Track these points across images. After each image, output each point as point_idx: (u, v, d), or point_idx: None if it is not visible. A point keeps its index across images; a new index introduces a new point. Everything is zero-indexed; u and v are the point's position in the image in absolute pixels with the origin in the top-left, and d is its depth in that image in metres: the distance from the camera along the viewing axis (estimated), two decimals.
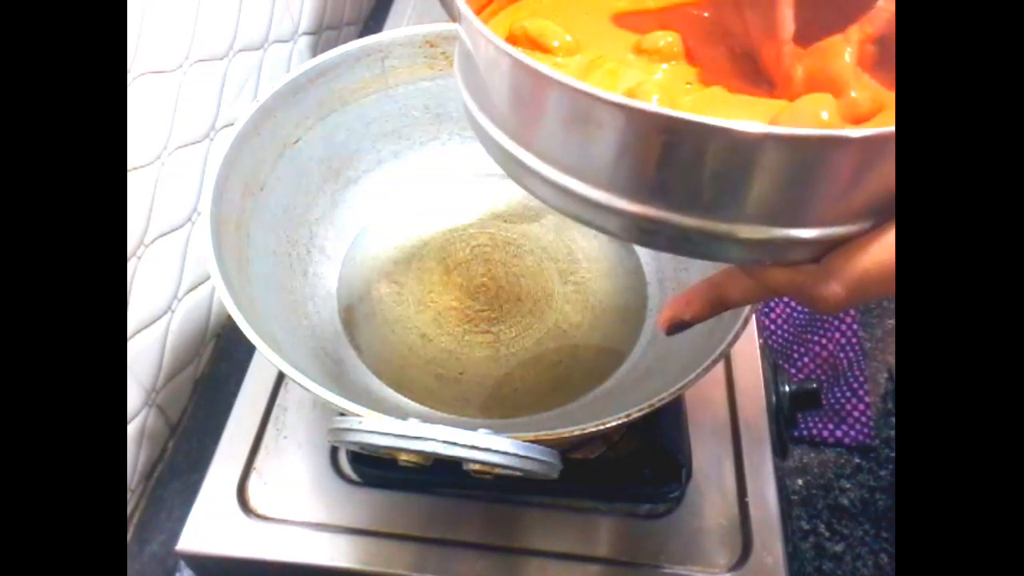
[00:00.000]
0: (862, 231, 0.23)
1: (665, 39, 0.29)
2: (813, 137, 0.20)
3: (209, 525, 0.42)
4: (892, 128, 0.20)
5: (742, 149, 0.20)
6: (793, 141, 0.20)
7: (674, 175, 0.22)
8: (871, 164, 0.21)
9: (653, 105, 0.21)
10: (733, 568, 0.41)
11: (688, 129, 0.20)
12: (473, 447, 0.28)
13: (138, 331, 0.46)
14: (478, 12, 0.30)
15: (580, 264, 0.52)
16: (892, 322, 0.65)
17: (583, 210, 0.24)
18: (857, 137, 0.20)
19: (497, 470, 0.28)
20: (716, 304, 0.29)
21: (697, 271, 0.47)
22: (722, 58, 0.29)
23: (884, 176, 0.21)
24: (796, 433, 0.58)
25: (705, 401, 0.47)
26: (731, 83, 0.27)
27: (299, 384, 0.33)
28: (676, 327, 0.30)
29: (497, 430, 0.29)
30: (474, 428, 0.28)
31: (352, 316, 0.49)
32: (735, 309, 0.37)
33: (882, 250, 0.22)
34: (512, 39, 0.29)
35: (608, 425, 0.33)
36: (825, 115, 0.23)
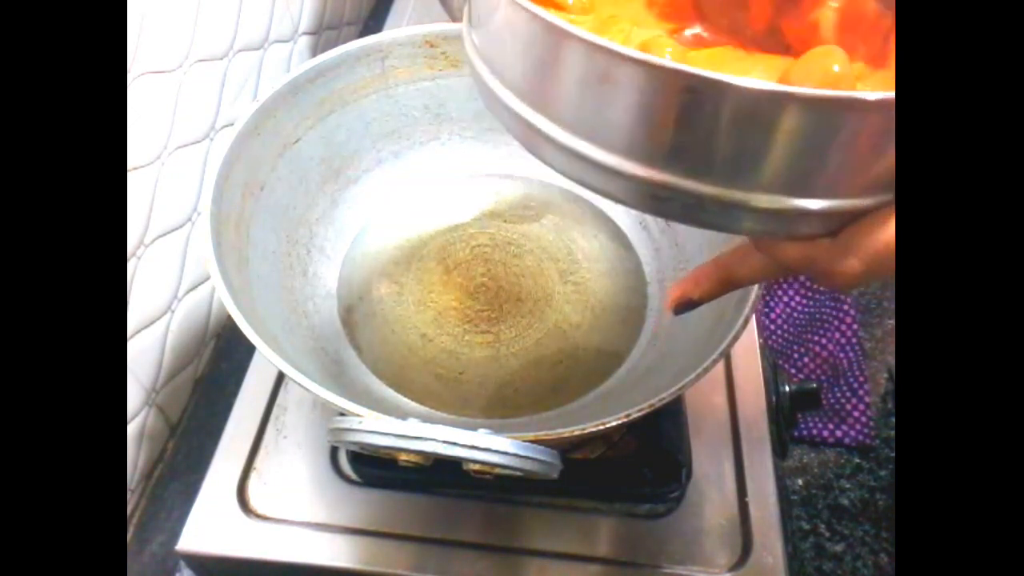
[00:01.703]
0: (880, 204, 0.22)
1: None
2: (829, 98, 0.19)
3: (209, 525, 0.42)
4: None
5: (756, 107, 0.20)
6: (808, 101, 0.20)
7: (688, 136, 0.21)
8: (886, 132, 0.20)
9: (670, 61, 0.20)
10: (733, 568, 0.41)
11: (702, 86, 0.20)
12: (473, 447, 0.28)
13: (138, 331, 0.46)
14: None
15: (580, 264, 0.52)
16: (892, 322, 0.65)
17: (596, 176, 0.24)
18: (874, 100, 0.19)
19: (497, 470, 0.28)
20: (725, 282, 0.28)
21: None
22: (737, 15, 0.28)
23: None
24: (796, 433, 0.58)
25: (705, 401, 0.47)
26: (744, 39, 0.26)
27: (299, 384, 0.33)
28: (684, 306, 0.30)
29: (497, 430, 0.29)
30: (474, 428, 0.28)
31: (352, 316, 0.49)
32: (736, 307, 0.37)
33: None
34: None
35: (608, 425, 0.33)
36: (837, 68, 0.22)
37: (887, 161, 0.21)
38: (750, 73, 0.24)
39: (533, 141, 0.25)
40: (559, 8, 0.27)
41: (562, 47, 0.22)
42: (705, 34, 0.28)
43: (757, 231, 0.24)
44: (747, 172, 0.21)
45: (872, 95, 0.19)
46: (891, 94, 0.19)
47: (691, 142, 0.21)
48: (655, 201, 0.23)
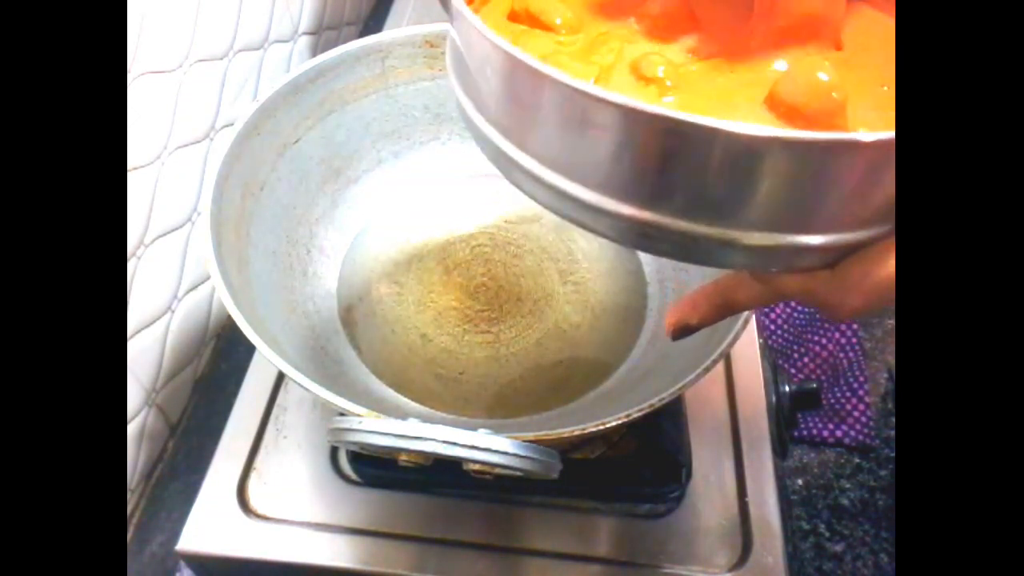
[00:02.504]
0: (877, 236, 0.22)
1: (666, 3, 0.26)
2: (822, 141, 0.19)
3: (209, 525, 0.42)
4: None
5: (742, 151, 0.19)
6: (801, 145, 0.19)
7: (674, 178, 0.21)
8: (884, 167, 0.20)
9: (651, 105, 0.19)
10: (733, 568, 0.41)
11: (685, 130, 0.19)
12: (473, 447, 0.28)
13: (138, 331, 0.46)
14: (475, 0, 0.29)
15: (580, 264, 0.52)
16: (892, 322, 0.65)
17: (581, 214, 0.23)
18: (869, 141, 0.19)
19: (497, 470, 0.28)
20: (723, 308, 0.28)
21: (697, 271, 0.47)
22: (734, 22, 0.27)
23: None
24: (796, 433, 0.58)
25: (705, 401, 0.47)
26: (736, 46, 0.25)
27: (299, 384, 0.33)
28: (681, 332, 0.29)
29: (497, 430, 0.29)
30: (474, 428, 0.28)
31: (352, 316, 0.49)
32: None
33: None
34: (513, 16, 0.27)
35: (608, 425, 0.33)
36: (823, 77, 0.21)
37: (882, 194, 0.21)
38: (738, 95, 0.23)
39: (517, 177, 0.25)
40: (547, 29, 0.27)
41: (541, 88, 0.21)
42: (698, 44, 0.26)
43: (752, 266, 0.24)
44: (738, 211, 0.21)
45: (865, 136, 0.19)
46: (884, 135, 0.19)
47: (678, 183, 0.21)
48: (643, 239, 0.23)
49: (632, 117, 0.20)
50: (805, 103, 0.21)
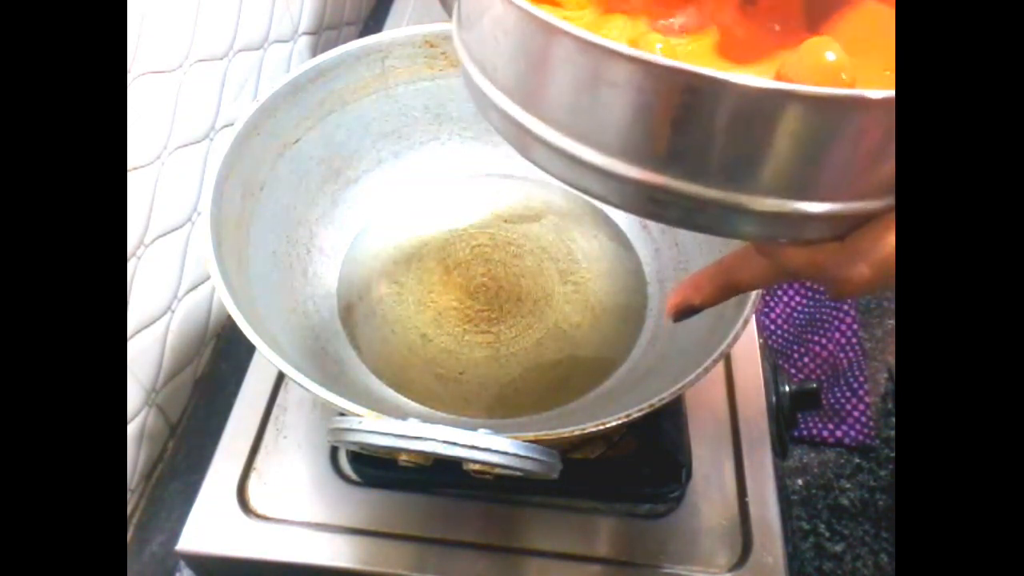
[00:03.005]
0: (888, 208, 0.21)
1: None
2: (830, 96, 0.19)
3: (209, 525, 0.42)
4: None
5: (755, 106, 0.19)
6: (808, 99, 0.19)
7: (686, 137, 0.20)
8: (891, 130, 0.19)
9: (666, 59, 0.19)
10: (733, 568, 0.41)
11: (700, 84, 0.19)
12: (473, 447, 0.28)
13: (138, 331, 0.46)
14: None
15: (580, 264, 0.52)
16: (892, 322, 0.65)
17: (591, 180, 0.23)
18: (878, 98, 0.18)
19: (497, 470, 0.28)
20: (727, 288, 0.28)
21: (698, 269, 0.47)
22: (737, 11, 0.27)
23: None
24: (796, 433, 0.58)
25: (705, 401, 0.47)
26: (740, 27, 0.26)
27: (299, 384, 0.33)
28: (684, 312, 0.29)
29: (497, 430, 0.29)
30: (474, 428, 0.28)
31: (352, 316, 0.49)
32: (736, 307, 0.37)
33: None
34: None
35: (608, 425, 0.33)
36: (831, 56, 0.21)
37: (891, 162, 0.20)
38: (743, 66, 0.23)
39: (526, 143, 0.24)
40: (554, 4, 0.27)
41: (554, 45, 0.21)
42: (694, 22, 0.27)
43: (759, 236, 0.23)
44: (748, 174, 0.21)
45: (874, 93, 0.19)
46: (892, 93, 0.19)
47: (689, 143, 0.21)
48: (653, 205, 0.23)
49: (644, 70, 0.20)
50: (813, 83, 0.21)
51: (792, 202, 0.21)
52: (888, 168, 0.20)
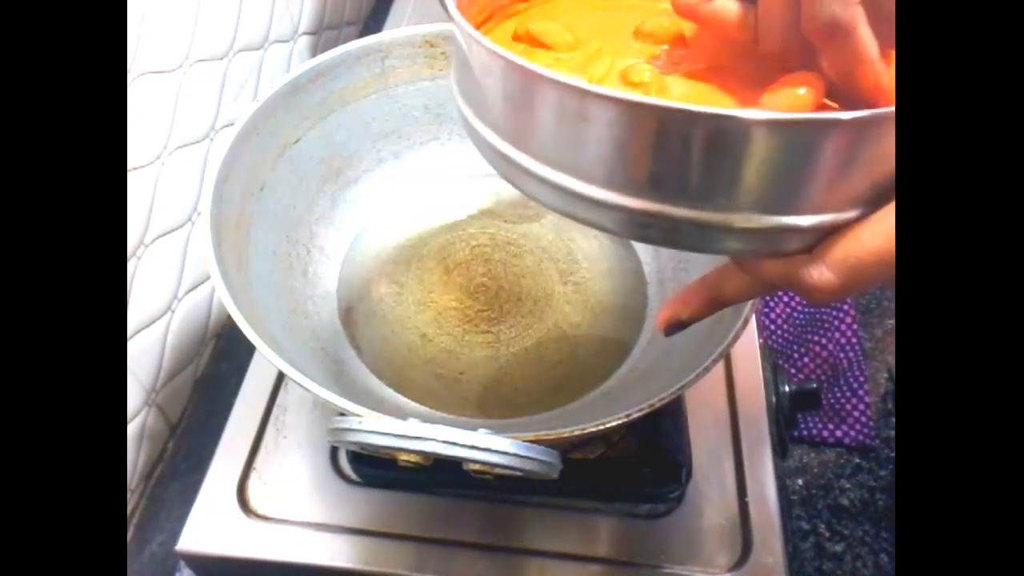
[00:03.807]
0: (856, 218, 0.22)
1: (663, 22, 0.29)
2: (802, 120, 0.20)
3: (209, 525, 0.42)
4: (886, 109, 0.20)
5: (730, 135, 0.20)
6: (782, 125, 0.20)
7: (665, 165, 0.22)
8: (863, 147, 0.21)
9: (639, 95, 0.21)
10: (733, 568, 0.41)
11: (676, 117, 0.21)
12: (473, 447, 0.28)
13: (138, 331, 0.46)
14: (485, 21, 0.31)
15: (580, 264, 0.52)
16: (892, 322, 0.65)
17: (579, 208, 0.25)
18: (849, 119, 0.20)
19: (497, 470, 0.28)
20: (712, 302, 0.29)
21: (698, 270, 0.47)
22: (724, 49, 0.29)
23: (877, 160, 0.21)
24: (796, 433, 0.58)
25: (705, 401, 0.47)
26: (729, 71, 0.27)
27: (299, 384, 0.33)
28: (674, 327, 0.30)
29: (497, 430, 0.29)
30: (474, 428, 0.28)
31: (352, 316, 0.49)
32: (735, 308, 0.37)
33: (874, 236, 0.22)
34: (517, 38, 0.29)
35: (608, 425, 0.33)
36: (802, 91, 0.23)
37: (861, 176, 0.21)
38: (725, 100, 0.25)
39: (517, 177, 0.26)
40: (546, 47, 0.29)
41: (535, 88, 0.23)
42: (689, 54, 0.28)
43: (738, 251, 0.25)
44: (722, 194, 0.22)
45: (849, 115, 0.20)
46: (864, 112, 0.20)
47: (667, 170, 0.22)
48: (637, 228, 0.24)
49: (620, 107, 0.21)
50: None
51: (767, 218, 0.22)
52: (856, 182, 0.22)
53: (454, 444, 0.28)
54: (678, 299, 0.30)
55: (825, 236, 0.23)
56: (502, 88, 0.24)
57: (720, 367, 0.48)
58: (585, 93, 0.21)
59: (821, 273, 0.23)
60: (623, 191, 0.23)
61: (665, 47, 0.29)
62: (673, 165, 0.22)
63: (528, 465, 0.28)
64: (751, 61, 0.27)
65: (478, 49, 0.24)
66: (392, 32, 0.49)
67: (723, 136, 0.21)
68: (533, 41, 0.29)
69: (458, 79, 0.28)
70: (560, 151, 0.24)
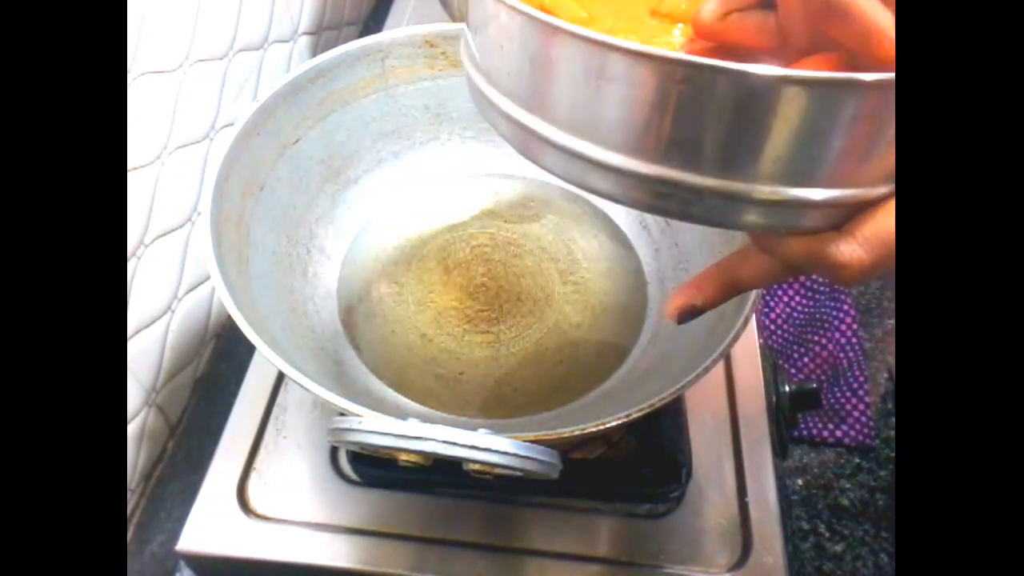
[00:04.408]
0: (887, 194, 0.22)
1: (680, 3, 0.28)
2: (827, 80, 0.19)
3: (209, 525, 0.42)
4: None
5: (753, 93, 0.20)
6: (805, 83, 0.19)
7: (687, 127, 0.21)
8: (887, 114, 0.20)
9: (664, 50, 0.20)
10: (733, 568, 0.41)
11: (698, 73, 0.20)
12: (473, 447, 0.28)
13: (138, 331, 0.46)
14: None
15: (580, 264, 0.52)
16: (892, 322, 0.65)
17: (595, 177, 0.24)
18: (871, 81, 0.19)
19: (497, 470, 0.28)
20: (729, 287, 0.28)
21: (698, 270, 0.47)
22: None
23: None
24: (796, 433, 0.58)
25: (705, 401, 0.47)
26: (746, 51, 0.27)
27: (299, 384, 0.33)
28: (687, 314, 0.29)
29: (497, 430, 0.29)
30: (474, 428, 0.28)
31: (352, 316, 0.49)
32: (736, 306, 0.37)
33: None
34: None
35: (608, 425, 0.33)
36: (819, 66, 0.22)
37: (888, 149, 0.21)
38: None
39: (531, 146, 0.25)
40: (549, 12, 0.28)
41: (557, 45, 0.22)
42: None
43: (759, 225, 0.23)
44: (747, 162, 0.21)
45: (870, 76, 0.19)
46: (885, 75, 0.19)
47: (689, 133, 0.21)
48: (655, 198, 0.23)
49: (643, 63, 0.20)
50: None
51: (791, 189, 0.21)
52: (885, 154, 0.21)
53: (454, 444, 0.28)
54: (692, 285, 0.29)
55: (852, 213, 0.22)
56: (519, 48, 0.23)
57: (720, 367, 0.48)
58: (610, 48, 0.20)
59: (853, 250, 0.22)
60: (643, 157, 0.22)
61: (681, 26, 0.28)
62: (696, 127, 0.21)
63: (528, 465, 0.28)
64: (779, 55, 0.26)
65: (496, 7, 0.24)
66: (392, 32, 0.49)
67: (749, 96, 0.20)
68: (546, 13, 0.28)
69: (470, 44, 0.27)
70: (578, 114, 0.23)
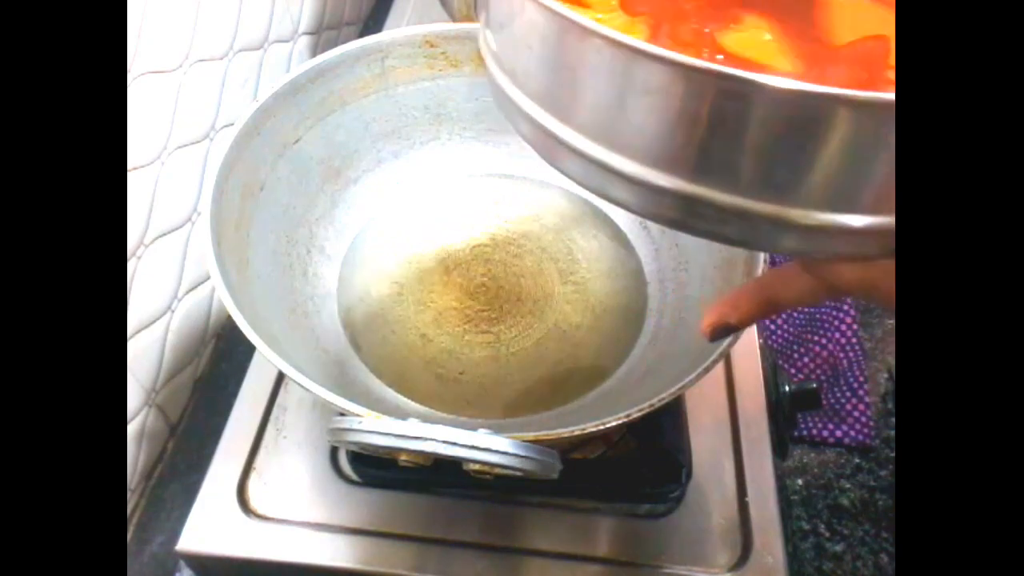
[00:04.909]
0: None
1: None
2: (879, 100, 0.17)
3: (209, 525, 0.42)
4: None
5: (805, 112, 0.18)
6: (856, 103, 0.18)
7: (725, 144, 0.19)
8: None
9: (707, 62, 0.18)
10: (733, 568, 0.41)
11: (743, 88, 0.18)
12: (473, 447, 0.28)
13: (138, 331, 0.46)
14: None
15: (580, 264, 0.52)
16: (892, 322, 0.65)
17: (620, 189, 0.22)
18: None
19: (497, 470, 0.28)
20: (768, 306, 0.26)
21: (697, 270, 0.47)
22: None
23: None
24: (796, 433, 0.58)
25: (705, 401, 0.47)
26: (783, 28, 0.24)
27: (299, 384, 0.33)
28: (721, 332, 0.28)
29: (497, 430, 0.29)
30: (474, 428, 0.28)
31: (352, 316, 0.49)
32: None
33: None
34: None
35: (608, 425, 0.33)
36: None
37: None
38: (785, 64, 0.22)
39: (556, 153, 0.24)
40: (585, 6, 0.26)
41: (588, 47, 0.20)
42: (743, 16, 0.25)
43: (800, 251, 0.22)
44: (790, 184, 0.19)
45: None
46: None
47: (727, 150, 0.20)
48: (686, 216, 0.21)
49: (683, 74, 0.19)
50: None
51: (838, 216, 0.20)
52: None
53: (454, 444, 0.28)
54: (727, 301, 0.27)
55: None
56: (547, 48, 0.22)
57: (720, 367, 0.48)
58: (646, 55, 0.19)
59: None
60: (674, 172, 0.20)
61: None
62: (737, 145, 0.19)
63: (528, 465, 0.28)
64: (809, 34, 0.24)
65: (523, 5, 0.22)
66: (392, 32, 0.49)
67: (799, 114, 0.18)
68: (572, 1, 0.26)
69: (492, 42, 0.25)
70: (608, 122, 0.21)
